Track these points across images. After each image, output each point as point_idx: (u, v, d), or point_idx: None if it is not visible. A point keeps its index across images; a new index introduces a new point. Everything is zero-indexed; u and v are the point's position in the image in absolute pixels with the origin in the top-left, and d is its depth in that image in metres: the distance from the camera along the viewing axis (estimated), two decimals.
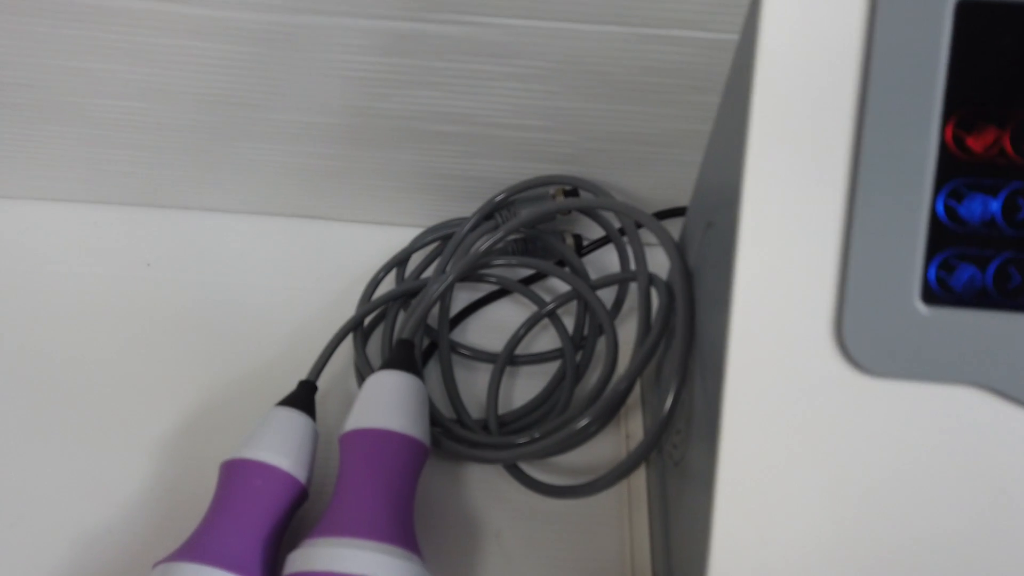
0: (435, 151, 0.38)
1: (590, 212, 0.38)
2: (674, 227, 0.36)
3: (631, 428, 0.35)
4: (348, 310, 0.38)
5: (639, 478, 0.33)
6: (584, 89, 0.35)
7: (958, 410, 0.17)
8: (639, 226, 0.33)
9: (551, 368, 0.37)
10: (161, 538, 0.31)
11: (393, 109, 0.36)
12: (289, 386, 0.33)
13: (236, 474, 0.29)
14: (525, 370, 0.37)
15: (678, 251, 0.28)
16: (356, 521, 0.27)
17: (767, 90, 0.18)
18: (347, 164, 0.40)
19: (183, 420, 0.35)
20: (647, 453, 0.29)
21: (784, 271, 0.18)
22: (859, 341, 0.17)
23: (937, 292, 0.18)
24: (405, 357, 0.32)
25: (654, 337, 0.29)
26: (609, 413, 0.30)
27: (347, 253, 0.42)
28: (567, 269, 0.38)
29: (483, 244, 0.36)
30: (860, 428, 0.18)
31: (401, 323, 0.35)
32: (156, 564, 0.27)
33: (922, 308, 0.17)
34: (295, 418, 0.31)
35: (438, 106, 0.36)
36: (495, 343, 0.38)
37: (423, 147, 0.38)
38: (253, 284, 0.40)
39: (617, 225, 0.38)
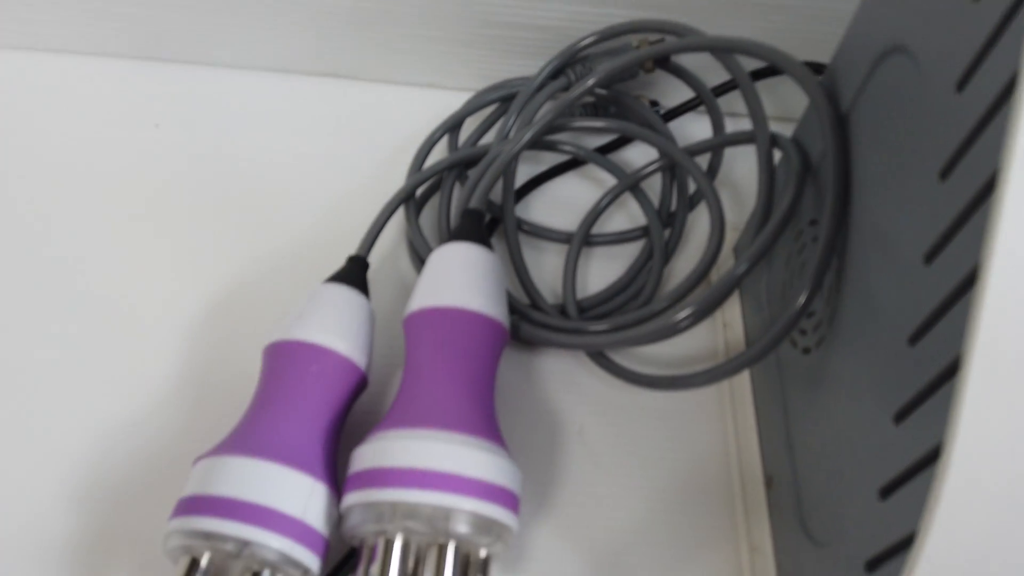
0: None
1: (681, 72, 0.33)
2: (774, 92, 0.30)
3: (727, 316, 0.30)
4: (390, 182, 0.33)
5: (742, 379, 0.29)
6: None
7: None
8: (757, 79, 0.28)
9: (631, 251, 0.32)
10: (193, 429, 0.27)
11: None
12: (329, 265, 0.28)
13: (286, 358, 0.24)
14: (599, 253, 0.32)
15: (825, 94, 0.23)
16: (435, 411, 0.23)
17: None
18: (384, 7, 0.34)
19: (209, 301, 0.30)
20: (774, 346, 0.24)
21: None
22: None
23: None
24: (475, 229, 0.27)
25: (788, 205, 0.24)
26: (718, 301, 0.25)
27: (386, 119, 0.36)
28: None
29: (555, 105, 0.30)
30: None
31: (462, 194, 0.30)
32: (198, 459, 0.22)
33: None
34: (349, 296, 0.26)
35: None
36: (562, 222, 0.33)
37: None
38: (277, 151, 0.34)
39: (711, 85, 0.33)
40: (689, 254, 0.32)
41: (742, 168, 0.34)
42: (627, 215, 0.34)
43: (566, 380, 0.29)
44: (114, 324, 0.29)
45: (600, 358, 0.28)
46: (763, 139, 0.26)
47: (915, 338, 0.18)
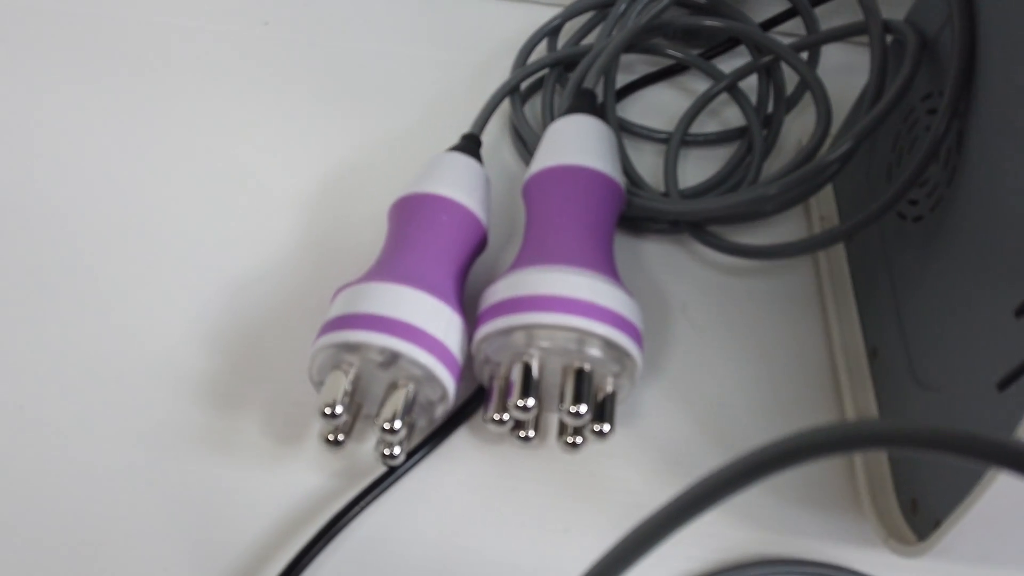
0: None
1: None
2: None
3: (824, 210, 0.31)
4: (486, 85, 0.34)
5: (838, 258, 0.30)
6: None
7: None
8: None
9: (725, 154, 0.33)
10: (314, 286, 0.28)
11: None
12: (433, 150, 0.29)
13: (419, 208, 0.25)
14: (695, 154, 0.33)
15: None
16: (565, 252, 0.23)
17: None
18: None
19: (325, 176, 0.31)
20: (884, 213, 0.25)
21: None
22: None
23: None
24: (590, 104, 0.28)
25: (905, 78, 0.25)
26: (824, 176, 0.26)
27: (482, 30, 0.37)
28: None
29: (659, 5, 0.31)
30: None
31: (573, 80, 0.31)
32: (340, 289, 0.23)
33: None
34: (469, 162, 0.27)
35: None
36: (662, 125, 0.34)
37: None
38: (380, 52, 0.36)
39: None
40: (783, 157, 0.33)
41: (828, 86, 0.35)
42: (720, 123, 0.34)
43: (670, 264, 0.30)
44: (238, 191, 0.30)
45: (702, 233, 0.29)
46: (876, 21, 0.27)
47: None
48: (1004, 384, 0.19)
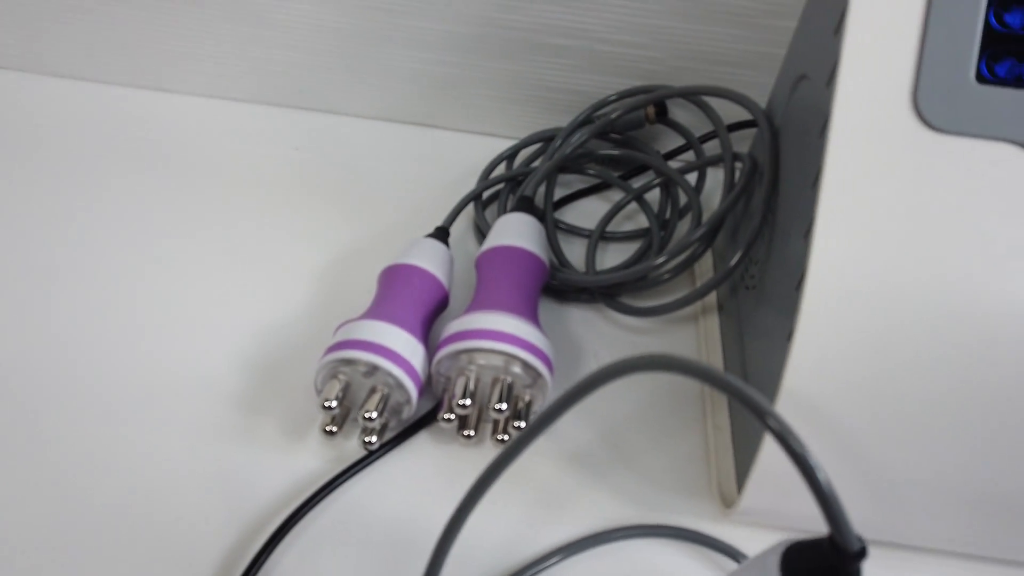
0: (546, 64, 0.46)
1: (674, 125, 0.45)
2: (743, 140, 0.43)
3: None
4: (461, 193, 0.45)
5: (712, 321, 0.39)
6: (679, 8, 0.42)
7: (997, 160, 0.24)
8: (730, 129, 0.40)
9: (633, 248, 0.44)
10: (319, 332, 0.37)
11: (520, 21, 0.44)
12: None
13: (399, 273, 0.35)
14: (612, 247, 0.44)
15: (766, 115, 0.35)
16: (501, 303, 0.33)
17: None
18: (466, 72, 0.47)
19: (333, 258, 0.41)
20: (726, 277, 0.35)
21: (877, 59, 0.25)
22: (930, 105, 0.24)
23: (986, 75, 0.24)
24: (527, 207, 0.39)
25: (741, 185, 0.36)
26: (690, 257, 0.37)
27: (454, 156, 0.49)
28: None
29: (583, 137, 0.43)
30: (928, 171, 0.24)
31: (520, 190, 0.42)
32: (340, 325, 0.33)
33: (975, 85, 0.24)
34: (438, 245, 0.38)
35: (559, 21, 0.44)
36: (589, 226, 0.45)
37: (537, 59, 0.46)
38: (379, 171, 0.47)
39: (697, 135, 0.45)
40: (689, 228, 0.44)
41: (715, 198, 0.46)
42: (635, 224, 0.45)
43: (587, 325, 0.40)
44: (269, 268, 0.41)
45: (612, 301, 0.39)
46: (728, 154, 0.38)
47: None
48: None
